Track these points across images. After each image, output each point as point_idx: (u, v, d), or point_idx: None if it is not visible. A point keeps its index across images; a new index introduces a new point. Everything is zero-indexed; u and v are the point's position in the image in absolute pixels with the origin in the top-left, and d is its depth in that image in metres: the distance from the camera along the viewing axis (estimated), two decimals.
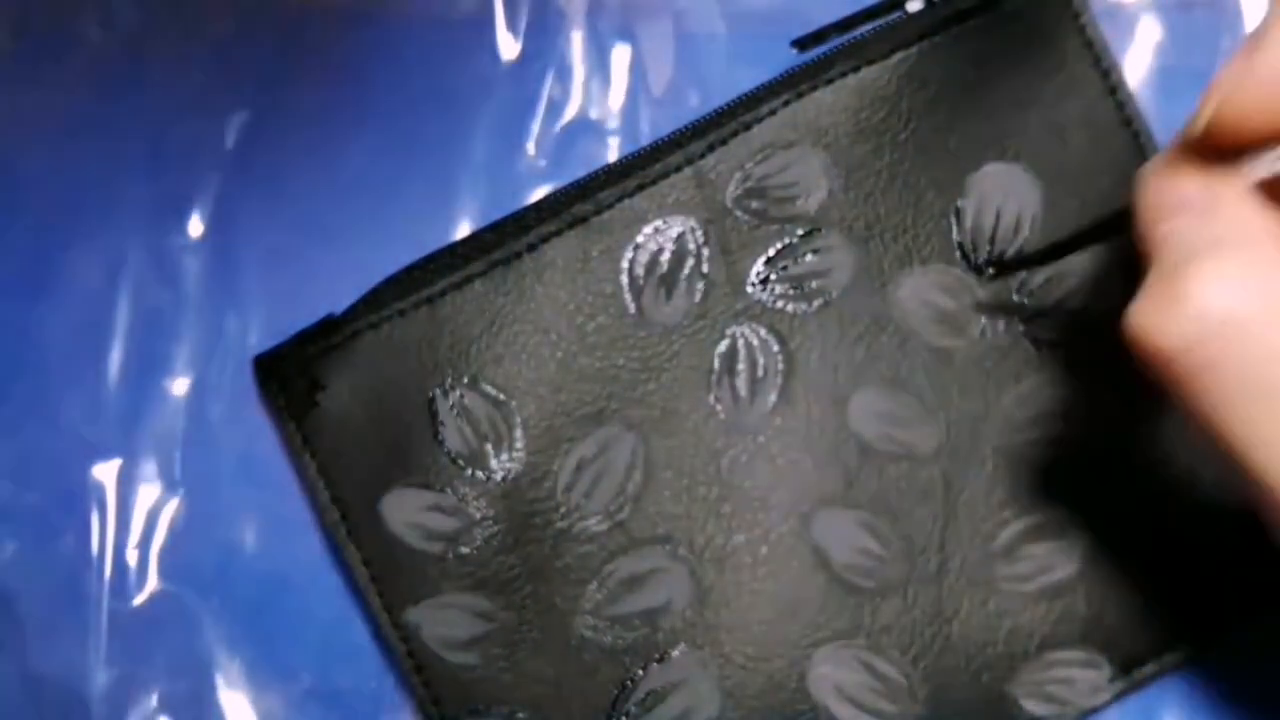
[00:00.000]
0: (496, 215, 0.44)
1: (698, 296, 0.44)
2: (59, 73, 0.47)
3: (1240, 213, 0.32)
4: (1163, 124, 0.45)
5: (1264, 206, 0.33)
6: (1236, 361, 0.31)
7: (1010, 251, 0.44)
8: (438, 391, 0.43)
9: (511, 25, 0.47)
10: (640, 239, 0.44)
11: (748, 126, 0.44)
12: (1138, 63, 0.46)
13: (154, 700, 0.45)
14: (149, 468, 0.46)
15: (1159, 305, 0.32)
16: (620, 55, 0.47)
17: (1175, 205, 0.33)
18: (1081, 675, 0.44)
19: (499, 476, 0.43)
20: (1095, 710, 0.44)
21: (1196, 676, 0.45)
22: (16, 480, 0.46)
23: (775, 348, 0.44)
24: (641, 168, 0.44)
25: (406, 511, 0.43)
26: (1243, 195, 0.33)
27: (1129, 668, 0.44)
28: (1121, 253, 0.44)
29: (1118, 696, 0.44)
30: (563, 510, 0.44)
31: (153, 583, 0.45)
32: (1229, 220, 0.32)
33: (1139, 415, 0.44)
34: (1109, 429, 0.44)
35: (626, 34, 0.47)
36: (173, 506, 0.45)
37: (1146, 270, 0.33)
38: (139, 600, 0.45)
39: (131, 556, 0.45)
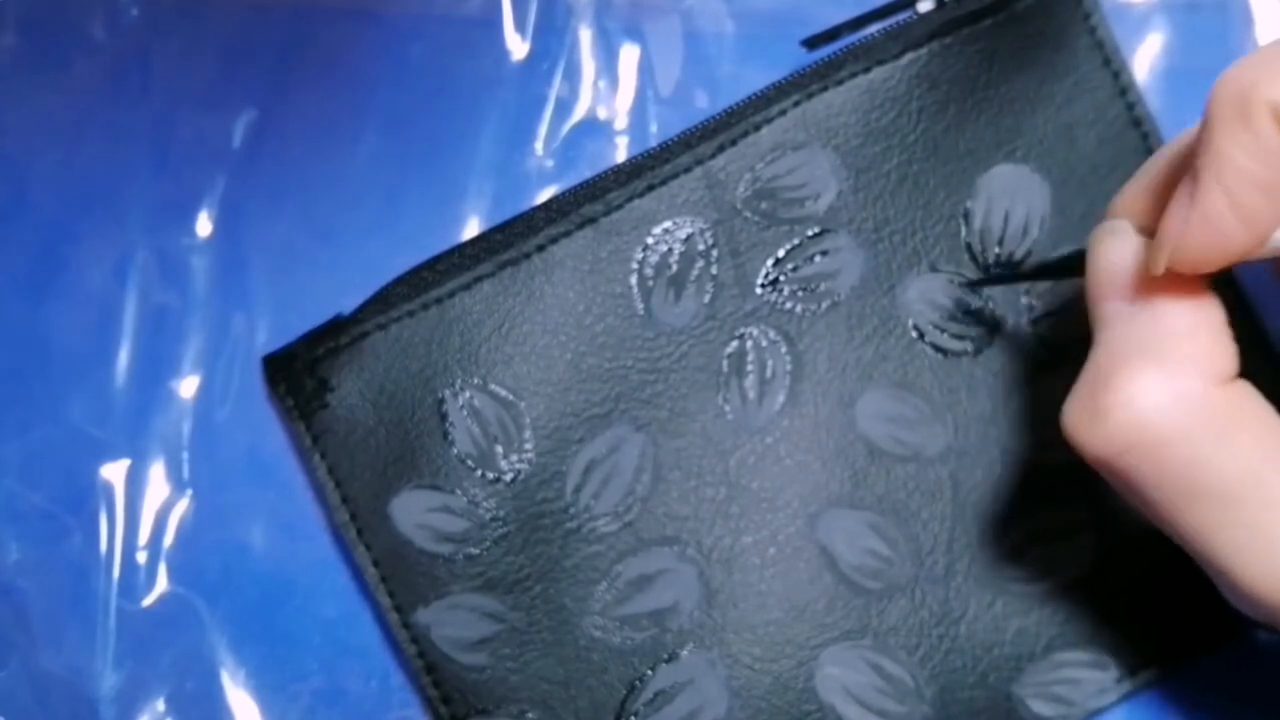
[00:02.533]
0: (504, 216, 0.44)
1: (707, 297, 0.44)
2: (65, 73, 0.47)
3: (1169, 310, 0.34)
4: (1171, 124, 0.45)
5: (1197, 293, 0.34)
6: (1155, 470, 0.34)
7: (1019, 253, 0.44)
8: (447, 392, 0.43)
9: (519, 25, 0.47)
10: (650, 240, 0.44)
11: (757, 127, 0.44)
12: (1146, 63, 0.46)
13: (162, 702, 0.45)
14: (157, 468, 0.45)
15: (1087, 412, 0.34)
16: (628, 55, 0.47)
17: (1116, 286, 0.35)
18: (1088, 676, 0.44)
19: (508, 477, 0.43)
20: (1102, 711, 0.44)
21: (1204, 677, 0.45)
22: (25, 481, 0.45)
23: (784, 349, 0.44)
24: (651, 168, 0.44)
25: (416, 512, 0.43)
26: (1175, 285, 0.34)
27: (1136, 669, 0.44)
28: None
29: (1124, 697, 0.44)
30: (572, 511, 0.44)
31: (161, 584, 0.45)
32: (1157, 319, 0.34)
33: None
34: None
35: (635, 33, 0.47)
36: (181, 507, 0.45)
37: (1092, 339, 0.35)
38: (147, 601, 0.45)
39: (140, 557, 0.45)
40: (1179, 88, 0.46)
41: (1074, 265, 0.38)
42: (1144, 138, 0.45)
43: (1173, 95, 0.46)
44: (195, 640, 0.45)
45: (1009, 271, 0.44)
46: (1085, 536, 0.44)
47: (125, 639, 0.45)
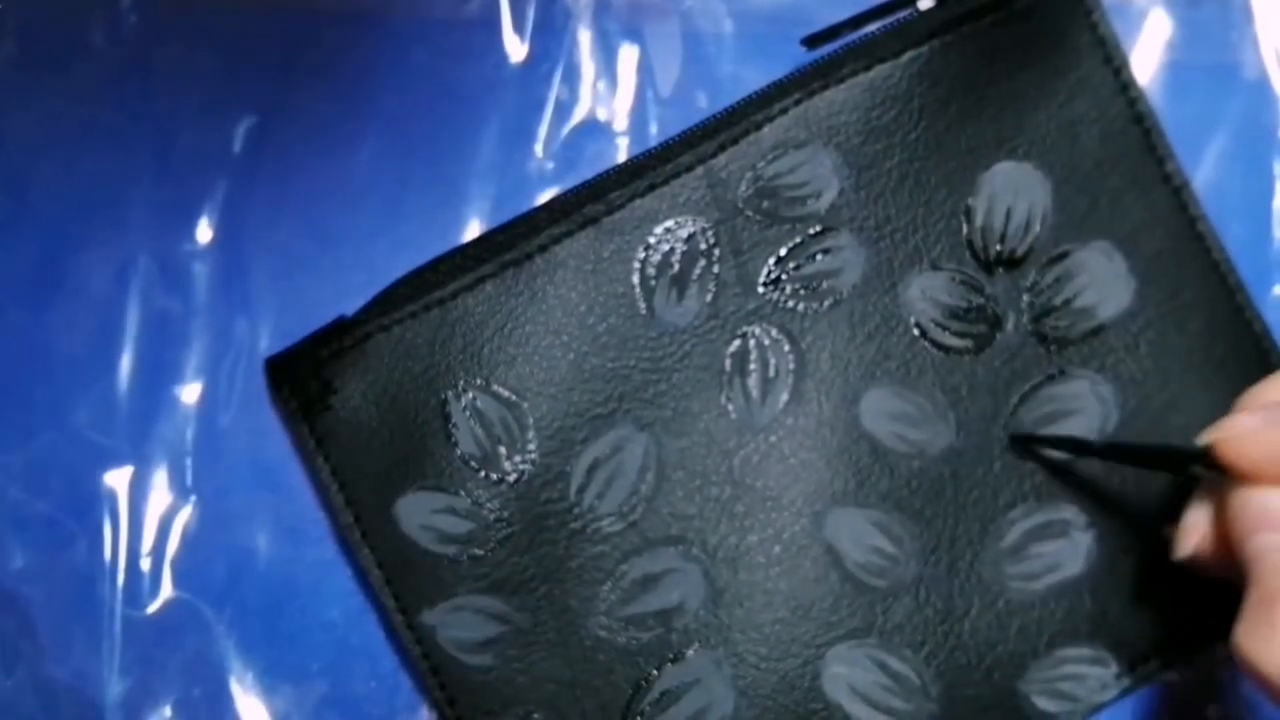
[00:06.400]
0: (505, 218, 0.44)
1: (709, 296, 0.44)
2: (66, 82, 0.46)
3: None
4: (1173, 120, 0.45)
5: None
6: None
7: (1020, 249, 0.44)
8: (450, 393, 0.43)
9: (518, 27, 0.47)
10: (651, 239, 0.44)
11: (758, 126, 0.44)
12: (1147, 59, 0.46)
13: (169, 708, 0.45)
14: (161, 474, 0.45)
15: (1258, 633, 0.35)
16: (628, 56, 0.47)
17: (1261, 520, 0.36)
18: (1090, 672, 0.44)
19: (512, 478, 0.43)
20: (1105, 706, 0.45)
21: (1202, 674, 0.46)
22: (29, 488, 0.45)
23: (786, 347, 0.44)
24: (652, 168, 0.44)
25: (420, 514, 0.43)
26: None
27: (1135, 664, 0.44)
28: (1126, 255, 0.45)
29: (1125, 692, 0.45)
30: (576, 511, 0.44)
31: (166, 590, 0.45)
32: None
33: (1146, 412, 0.44)
34: (1116, 426, 0.44)
35: (634, 34, 0.47)
36: (185, 513, 0.45)
37: (1245, 578, 0.36)
38: (153, 608, 0.45)
39: (145, 564, 0.45)
40: (1181, 83, 0.46)
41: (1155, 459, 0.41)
42: (1145, 134, 0.45)
43: (1175, 91, 0.46)
44: (201, 646, 0.45)
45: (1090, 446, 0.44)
46: (1083, 534, 0.44)
47: (131, 645, 0.45)
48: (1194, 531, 0.39)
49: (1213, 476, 0.38)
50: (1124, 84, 0.45)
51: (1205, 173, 0.46)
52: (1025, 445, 0.44)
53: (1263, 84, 0.47)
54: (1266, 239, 0.47)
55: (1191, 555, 0.39)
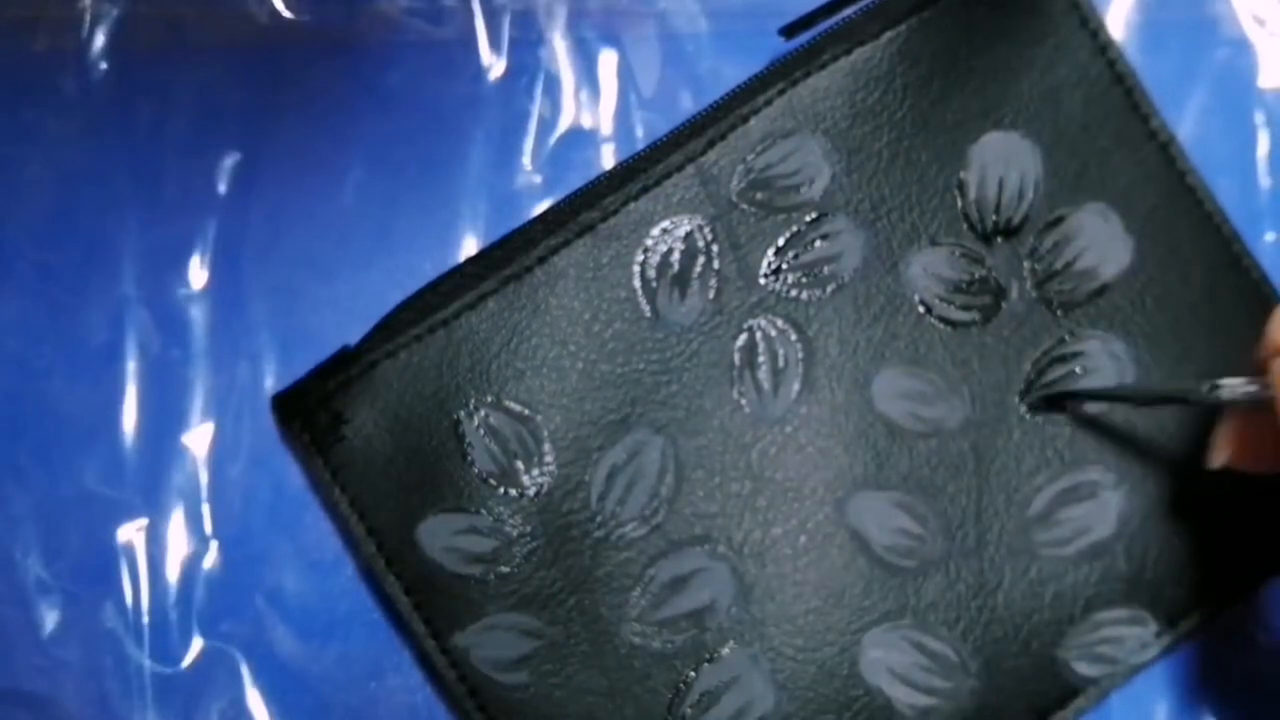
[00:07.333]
0: (499, 234, 0.44)
1: (711, 293, 0.44)
2: (40, 134, 0.46)
3: None
4: (1152, 77, 0.45)
5: None
6: None
7: (1016, 218, 0.44)
8: (462, 413, 0.43)
9: (494, 43, 0.47)
10: (649, 241, 0.44)
11: (745, 119, 0.44)
12: (1121, 19, 0.47)
13: None
14: (178, 524, 0.45)
15: None
16: (607, 62, 0.47)
17: None
18: (1129, 633, 0.44)
19: (532, 492, 0.43)
20: (1145, 667, 0.44)
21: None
22: (47, 553, 0.44)
23: (794, 336, 0.44)
24: (643, 170, 0.44)
25: (443, 536, 0.43)
26: None
27: (1174, 620, 0.44)
28: (1121, 215, 0.45)
29: (1166, 650, 0.44)
30: (599, 519, 0.43)
31: (197, 641, 0.44)
32: None
33: (1161, 365, 0.44)
34: (1133, 383, 0.44)
35: (611, 40, 0.47)
36: (207, 560, 0.45)
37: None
38: (185, 661, 0.44)
39: (172, 615, 0.44)
40: (1157, 41, 0.47)
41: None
42: (1128, 94, 0.45)
43: (1151, 49, 0.47)
44: (236, 694, 0.44)
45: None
46: (1112, 494, 0.44)
47: (166, 701, 0.44)
48: (1226, 444, 0.40)
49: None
50: (1102, 45, 0.45)
51: (1188, 127, 0.47)
52: (1056, 404, 0.44)
53: (1239, 36, 0.47)
54: (1254, 188, 0.47)
55: (1225, 464, 0.40)
